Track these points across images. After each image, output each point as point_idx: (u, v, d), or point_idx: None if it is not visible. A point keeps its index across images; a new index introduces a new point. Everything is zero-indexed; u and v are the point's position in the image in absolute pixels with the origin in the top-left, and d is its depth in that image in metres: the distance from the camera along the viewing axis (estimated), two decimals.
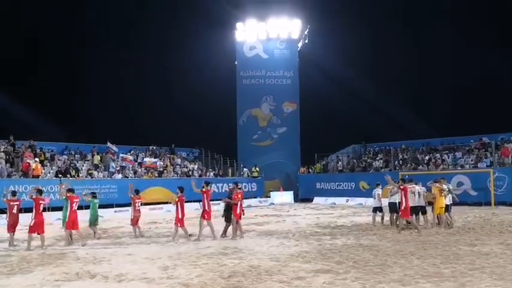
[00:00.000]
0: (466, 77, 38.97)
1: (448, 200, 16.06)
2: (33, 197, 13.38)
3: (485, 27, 38.56)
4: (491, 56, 37.51)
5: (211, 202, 14.62)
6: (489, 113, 36.50)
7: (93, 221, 15.44)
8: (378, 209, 17.19)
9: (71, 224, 13.47)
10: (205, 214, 14.23)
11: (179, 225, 14.29)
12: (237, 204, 14.35)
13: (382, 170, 30.58)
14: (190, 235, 14.33)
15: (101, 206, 21.68)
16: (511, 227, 15.47)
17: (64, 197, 14.58)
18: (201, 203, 14.83)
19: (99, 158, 27.58)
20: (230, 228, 14.56)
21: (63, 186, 15.91)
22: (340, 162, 34.81)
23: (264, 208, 28.30)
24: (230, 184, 26.63)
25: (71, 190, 14.19)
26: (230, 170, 33.78)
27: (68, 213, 13.70)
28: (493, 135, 29.56)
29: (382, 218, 17.13)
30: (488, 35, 38.93)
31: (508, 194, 24.69)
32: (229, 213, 14.52)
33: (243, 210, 14.86)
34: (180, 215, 14.28)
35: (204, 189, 14.46)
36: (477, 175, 25.91)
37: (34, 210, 13.17)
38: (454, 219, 17.23)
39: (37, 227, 12.98)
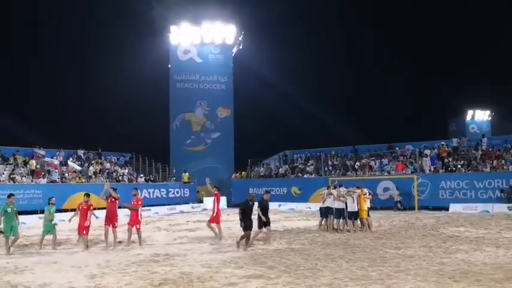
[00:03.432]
0: (390, 89, 40.86)
1: (368, 204, 16.81)
2: None
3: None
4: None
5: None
6: (413, 122, 38.46)
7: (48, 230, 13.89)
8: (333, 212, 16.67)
9: None
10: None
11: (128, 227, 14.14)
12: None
13: (313, 175, 31.35)
14: (120, 242, 13.97)
15: (25, 212, 20.68)
16: (433, 231, 16.28)
17: None
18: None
19: (35, 163, 26.31)
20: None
21: None
22: (262, 168, 35.22)
23: (197, 214, 28.02)
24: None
25: None
26: (168, 177, 33.17)
27: None
28: (417, 143, 31.25)
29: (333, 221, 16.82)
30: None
31: (430, 199, 26.01)
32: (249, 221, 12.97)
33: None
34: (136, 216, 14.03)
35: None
36: (402, 181, 27.04)
37: None
38: (381, 223, 17.92)
39: None
